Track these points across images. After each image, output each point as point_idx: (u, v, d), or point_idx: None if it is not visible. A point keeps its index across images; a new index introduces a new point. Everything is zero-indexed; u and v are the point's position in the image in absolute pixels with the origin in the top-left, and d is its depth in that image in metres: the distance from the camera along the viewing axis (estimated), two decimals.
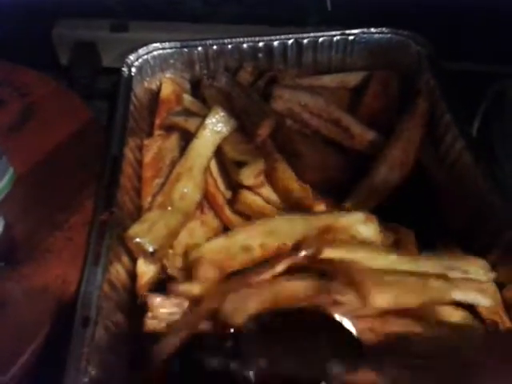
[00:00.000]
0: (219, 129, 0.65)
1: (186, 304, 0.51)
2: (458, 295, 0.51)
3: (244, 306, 0.48)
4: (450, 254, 0.55)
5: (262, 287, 0.50)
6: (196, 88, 0.79)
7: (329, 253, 0.52)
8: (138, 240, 0.55)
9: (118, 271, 0.55)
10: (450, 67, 0.73)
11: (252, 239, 0.56)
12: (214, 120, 0.65)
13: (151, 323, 0.52)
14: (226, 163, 0.64)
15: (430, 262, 0.53)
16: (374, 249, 0.54)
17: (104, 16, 0.88)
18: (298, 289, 0.49)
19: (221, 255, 0.56)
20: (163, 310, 0.52)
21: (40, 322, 0.54)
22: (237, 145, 0.65)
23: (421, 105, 0.69)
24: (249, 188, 0.62)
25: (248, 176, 0.61)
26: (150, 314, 0.52)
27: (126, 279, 0.57)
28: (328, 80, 0.78)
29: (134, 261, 0.58)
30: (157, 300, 0.52)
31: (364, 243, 0.55)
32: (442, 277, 0.51)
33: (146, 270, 0.57)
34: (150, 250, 0.55)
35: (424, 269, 0.52)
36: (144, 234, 0.56)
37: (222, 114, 0.65)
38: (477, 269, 0.53)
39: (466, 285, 0.52)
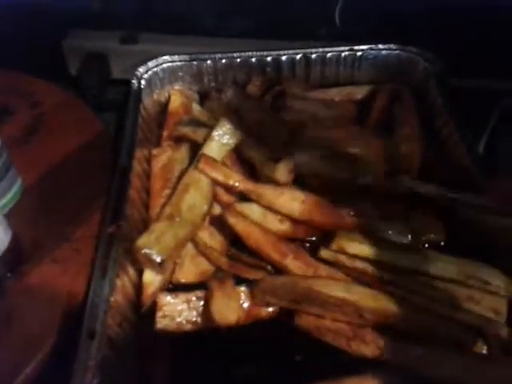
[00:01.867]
0: (225, 141, 0.66)
1: (195, 301, 0.53)
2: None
3: None
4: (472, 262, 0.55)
5: None
6: (204, 101, 0.79)
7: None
8: (145, 251, 0.55)
9: (124, 284, 0.55)
10: (458, 84, 0.74)
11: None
12: (220, 132, 0.66)
13: (162, 322, 0.54)
14: (256, 163, 0.66)
15: (452, 266, 0.54)
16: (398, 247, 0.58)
17: (114, 28, 0.89)
18: None
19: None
20: (173, 308, 0.54)
21: (45, 334, 0.54)
22: (260, 149, 0.66)
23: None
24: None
25: (283, 172, 0.63)
26: (160, 313, 0.54)
27: (131, 292, 0.57)
28: (335, 93, 0.79)
29: (139, 274, 0.58)
30: (166, 299, 0.55)
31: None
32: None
33: (152, 281, 0.57)
34: (158, 260, 0.55)
35: (445, 272, 0.54)
36: (152, 244, 0.56)
37: (228, 126, 0.66)
38: (498, 281, 0.53)
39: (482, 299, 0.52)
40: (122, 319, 0.53)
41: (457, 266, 0.54)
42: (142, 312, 0.56)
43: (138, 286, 0.57)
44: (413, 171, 0.66)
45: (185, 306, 0.55)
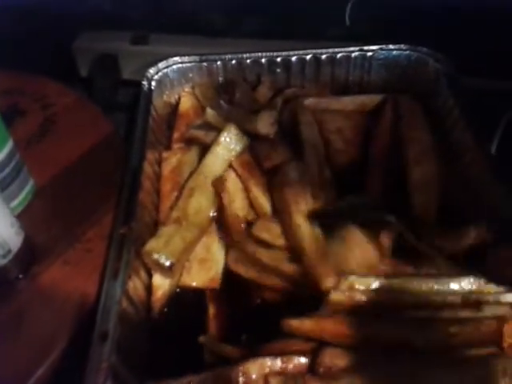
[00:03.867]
0: (232, 146, 0.66)
1: None
2: None
3: None
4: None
5: None
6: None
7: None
8: (154, 255, 0.56)
9: (136, 286, 0.55)
10: (468, 83, 0.73)
11: None
12: (227, 137, 0.66)
13: None
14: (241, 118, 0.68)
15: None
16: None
17: (124, 29, 0.89)
18: None
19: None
20: None
21: (57, 335, 0.54)
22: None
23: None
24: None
25: (264, 124, 0.65)
26: None
27: (143, 294, 0.57)
28: (347, 102, 0.77)
29: (151, 275, 0.58)
30: None
31: None
32: None
33: (162, 284, 0.57)
34: (167, 264, 0.55)
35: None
36: (160, 248, 0.56)
37: (235, 131, 0.66)
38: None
39: None
40: (133, 321, 0.53)
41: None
42: (152, 314, 0.56)
43: (149, 288, 0.58)
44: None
45: None
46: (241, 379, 0.48)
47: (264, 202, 0.62)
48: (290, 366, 0.49)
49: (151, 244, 0.57)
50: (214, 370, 0.49)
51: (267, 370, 0.48)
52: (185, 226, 0.59)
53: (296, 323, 0.50)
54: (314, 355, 0.48)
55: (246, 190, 0.63)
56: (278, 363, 0.49)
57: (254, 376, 0.48)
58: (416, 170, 0.65)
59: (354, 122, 0.74)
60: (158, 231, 0.59)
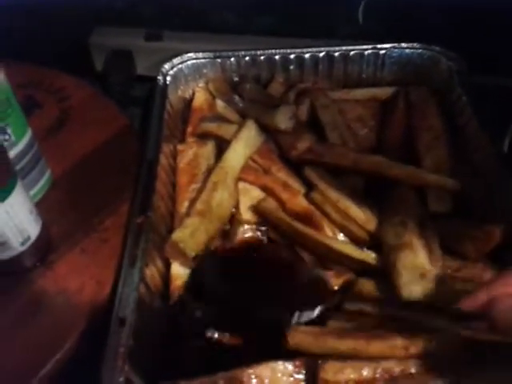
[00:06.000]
0: (251, 142, 0.67)
1: None
2: None
3: None
4: None
5: None
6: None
7: None
8: (181, 245, 0.57)
9: (153, 274, 0.56)
10: (481, 81, 0.74)
11: None
12: (247, 134, 0.67)
13: None
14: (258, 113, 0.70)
15: None
16: None
17: (139, 25, 0.90)
18: None
19: None
20: None
21: (74, 322, 0.55)
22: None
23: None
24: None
25: (282, 118, 0.67)
26: None
27: (159, 282, 0.58)
28: (358, 94, 0.79)
29: (167, 264, 0.59)
30: None
31: None
32: None
33: (181, 273, 0.58)
34: (192, 254, 0.56)
35: None
36: (186, 239, 0.58)
37: (254, 127, 0.67)
38: None
39: None
40: (150, 308, 0.53)
41: None
42: (171, 303, 0.57)
43: (165, 277, 0.58)
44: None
45: None
46: (253, 382, 0.48)
47: (293, 183, 0.64)
48: (303, 370, 0.49)
49: (178, 234, 0.58)
50: (225, 371, 0.49)
51: (279, 374, 0.48)
52: (208, 219, 0.60)
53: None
54: (315, 370, 0.48)
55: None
56: (290, 367, 0.49)
57: (266, 380, 0.48)
58: (427, 156, 0.66)
59: (373, 111, 0.76)
60: (184, 222, 0.60)
